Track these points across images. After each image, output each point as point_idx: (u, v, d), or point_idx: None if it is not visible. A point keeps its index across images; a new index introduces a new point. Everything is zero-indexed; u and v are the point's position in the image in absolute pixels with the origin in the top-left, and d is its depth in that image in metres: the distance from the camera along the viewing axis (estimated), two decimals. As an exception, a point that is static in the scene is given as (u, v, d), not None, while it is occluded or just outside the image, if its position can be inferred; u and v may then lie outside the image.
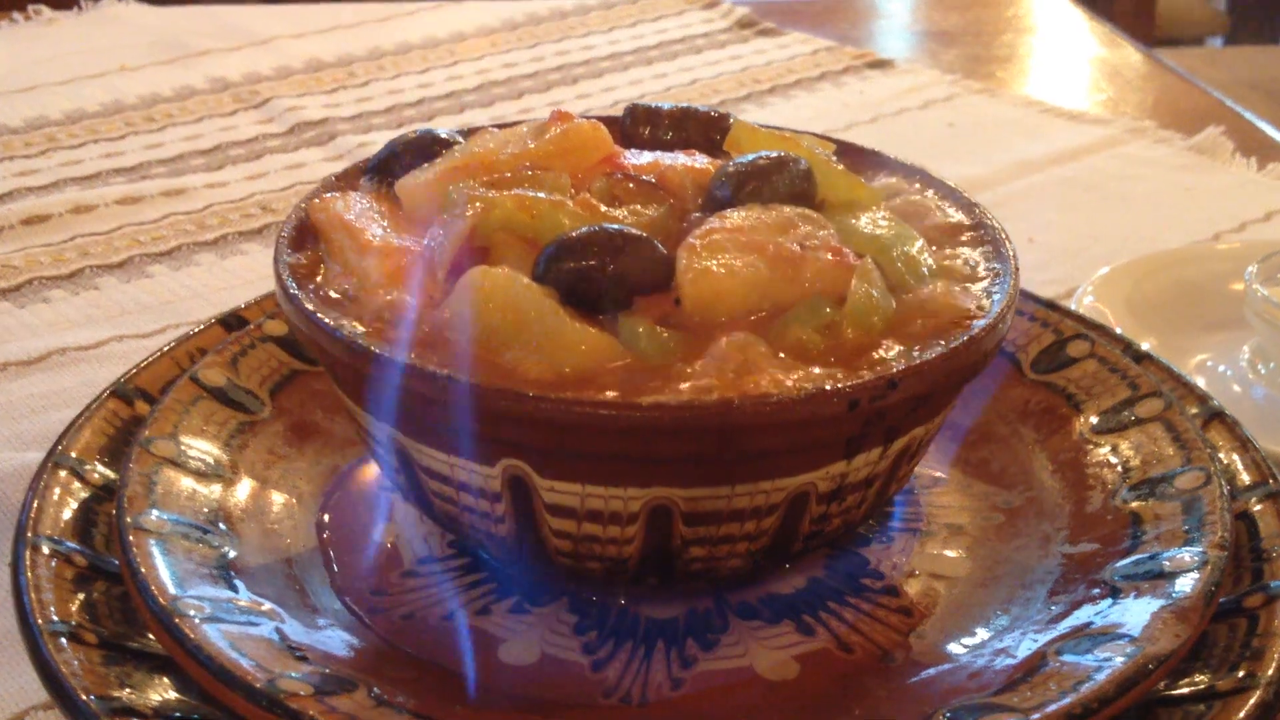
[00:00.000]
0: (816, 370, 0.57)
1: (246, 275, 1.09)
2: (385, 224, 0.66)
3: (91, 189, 1.22)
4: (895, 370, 0.57)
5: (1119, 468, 0.71)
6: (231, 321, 0.82)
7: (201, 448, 0.71)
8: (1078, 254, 1.13)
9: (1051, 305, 0.83)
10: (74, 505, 0.68)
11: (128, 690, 0.58)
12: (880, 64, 1.58)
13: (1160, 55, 1.74)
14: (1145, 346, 0.81)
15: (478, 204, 0.63)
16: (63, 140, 1.33)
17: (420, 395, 0.57)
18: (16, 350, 0.96)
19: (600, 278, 0.59)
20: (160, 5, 1.71)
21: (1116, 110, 1.50)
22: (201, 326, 0.82)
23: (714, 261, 0.61)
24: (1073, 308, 0.90)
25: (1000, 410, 0.77)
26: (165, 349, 0.80)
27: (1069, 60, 1.76)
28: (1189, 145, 1.35)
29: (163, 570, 0.62)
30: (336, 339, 0.59)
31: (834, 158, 0.71)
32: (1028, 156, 1.34)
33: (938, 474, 0.75)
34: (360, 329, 0.59)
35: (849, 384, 0.56)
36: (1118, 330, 0.85)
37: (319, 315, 0.60)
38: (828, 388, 0.55)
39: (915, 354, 0.59)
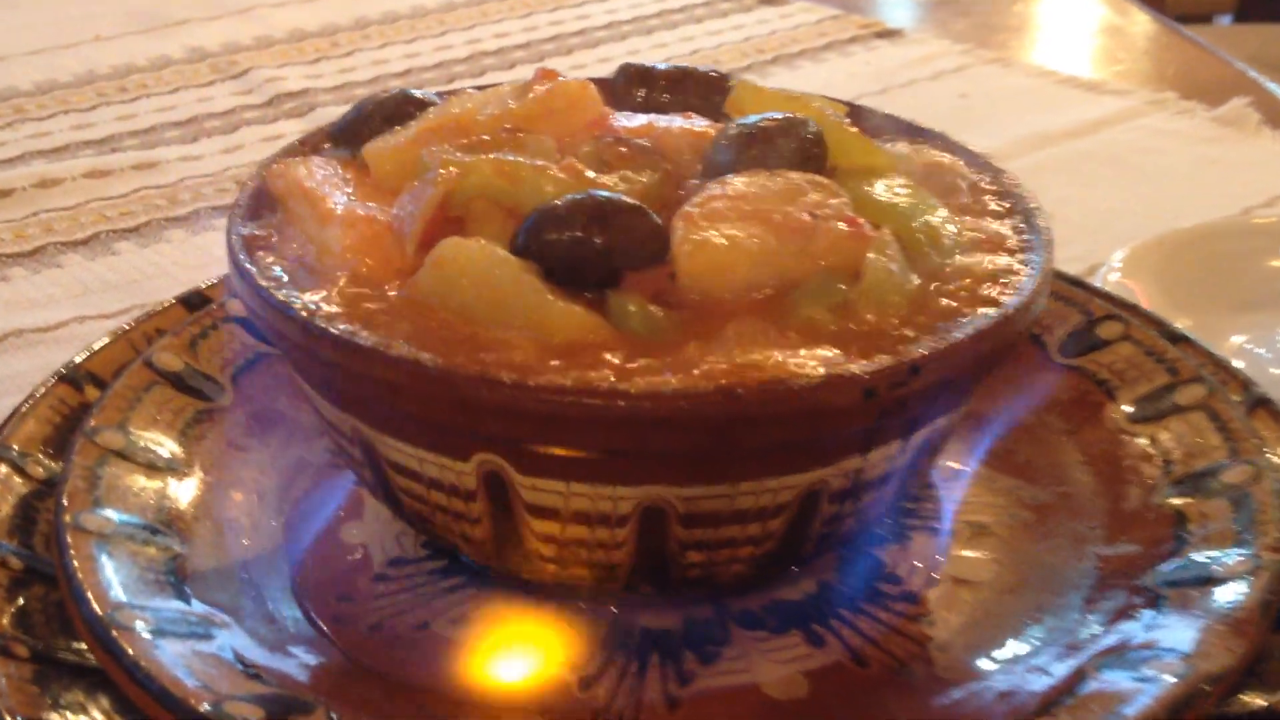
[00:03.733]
0: (829, 354, 0.51)
1: (218, 252, 1.00)
2: (350, 192, 0.60)
3: (59, 162, 1.15)
4: (917, 354, 0.51)
5: (1159, 461, 0.65)
6: (194, 300, 0.76)
7: (153, 438, 0.65)
8: (1098, 230, 1.07)
9: (1079, 283, 0.77)
10: (11, 501, 0.62)
11: (62, 712, 0.52)
12: (888, 33, 1.51)
13: (1177, 26, 1.67)
14: (1181, 328, 0.75)
15: (452, 168, 0.57)
16: (31, 111, 1.26)
17: (383, 382, 0.51)
18: (-31, 332, 0.90)
19: (587, 250, 0.53)
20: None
21: (1134, 81, 1.43)
22: (161, 306, 0.76)
23: (714, 232, 0.54)
24: (1099, 285, 0.84)
25: (1026, 396, 0.71)
26: (121, 330, 0.74)
27: (1083, 30, 1.69)
28: (1213, 117, 1.29)
29: (103, 576, 0.55)
30: (290, 318, 0.53)
31: (846, 120, 0.64)
32: (1044, 129, 1.28)
33: (957, 466, 0.69)
34: (318, 307, 0.53)
35: (866, 369, 0.50)
36: (1150, 310, 0.79)
37: (271, 292, 0.54)
38: (842, 374, 0.49)
39: (939, 336, 0.52)
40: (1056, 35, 1.67)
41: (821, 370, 0.49)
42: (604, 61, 1.45)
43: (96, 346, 0.72)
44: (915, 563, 0.63)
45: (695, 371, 0.49)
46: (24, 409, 0.67)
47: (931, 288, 0.56)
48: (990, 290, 0.56)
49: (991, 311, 0.54)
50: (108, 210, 1.07)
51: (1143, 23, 1.64)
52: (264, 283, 0.54)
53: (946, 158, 0.67)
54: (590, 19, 1.56)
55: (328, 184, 0.59)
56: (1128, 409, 0.69)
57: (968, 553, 0.64)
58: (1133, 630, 0.55)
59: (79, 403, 0.69)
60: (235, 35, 1.46)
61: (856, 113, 0.69)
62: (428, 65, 1.41)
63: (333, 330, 0.51)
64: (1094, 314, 0.74)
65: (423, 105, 0.65)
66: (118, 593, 0.55)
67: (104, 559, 0.56)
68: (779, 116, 0.61)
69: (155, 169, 1.14)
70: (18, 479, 0.63)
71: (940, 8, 1.68)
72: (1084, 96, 1.36)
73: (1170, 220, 1.06)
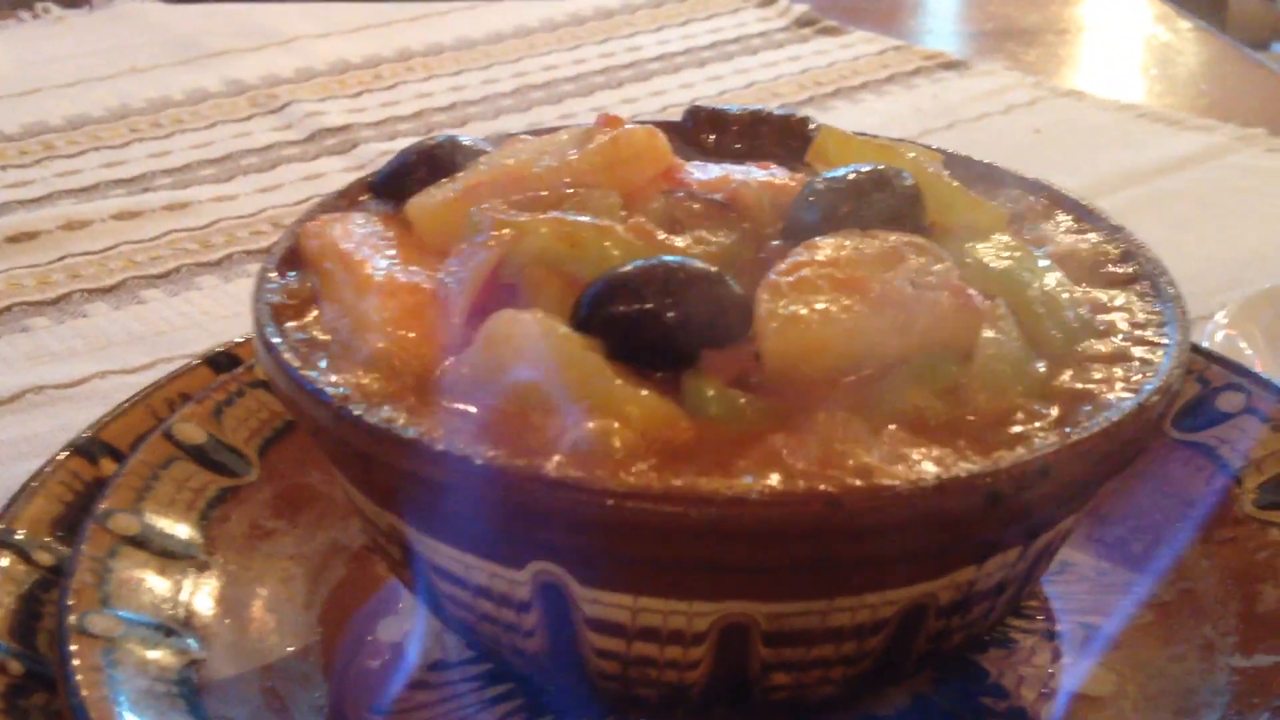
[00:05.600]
0: (941, 450, 0.44)
1: (252, 301, 0.96)
2: (393, 254, 0.53)
3: (88, 202, 1.10)
4: (1047, 452, 0.43)
5: (1299, 556, 0.57)
6: (221, 361, 0.70)
7: (171, 523, 0.59)
8: (1195, 279, 0.97)
9: (1193, 347, 0.69)
10: (14, 594, 0.56)
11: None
12: (954, 65, 1.44)
13: (1261, 57, 1.59)
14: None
15: (505, 230, 0.50)
16: (61, 148, 1.21)
17: (426, 479, 0.44)
18: (-14, 388, 0.84)
19: (659, 326, 0.47)
20: (178, 3, 1.59)
21: (1218, 115, 1.35)
22: (186, 366, 0.70)
23: (803, 305, 0.47)
24: (1204, 345, 0.77)
25: (1139, 478, 0.63)
26: (141, 395, 0.68)
27: (1161, 61, 1.61)
28: (1309, 154, 1.21)
29: (110, 691, 0.49)
30: (322, 403, 0.46)
31: (944, 171, 0.58)
32: (1126, 167, 1.20)
33: (1065, 557, 0.62)
34: (353, 390, 0.47)
35: (988, 471, 0.42)
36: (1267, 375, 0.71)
37: (300, 371, 0.47)
38: (962, 476, 0.42)
39: (1068, 428, 0.45)
40: (1131, 66, 1.59)
41: (937, 472, 0.42)
42: (656, 95, 1.39)
43: (113, 412, 0.66)
44: (1023, 672, 0.56)
45: (787, 471, 0.43)
46: (33, 485, 0.61)
47: (1052, 368, 0.49)
48: (1121, 371, 0.48)
49: (1126, 397, 0.47)
50: (137, 255, 1.02)
51: (1225, 54, 1.56)
52: (293, 360, 0.48)
53: (1055, 214, 0.60)
54: (641, 50, 1.49)
55: (367, 245, 0.53)
56: (1256, 494, 0.61)
57: (1082, 661, 0.56)
58: (1289, 768, 0.47)
59: (93, 477, 0.63)
60: (275, 67, 1.40)
61: (952, 161, 0.62)
62: (473, 99, 1.35)
63: (369, 419, 0.45)
64: (1211, 382, 0.66)
65: (472, 154, 0.59)
66: (125, 711, 0.48)
67: (111, 671, 0.50)
68: (870, 168, 0.54)
69: (187, 210, 1.08)
70: (22, 567, 0.57)
71: (1007, 39, 1.60)
72: (1166, 131, 1.28)
73: (1274, 269, 0.98)
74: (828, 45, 1.52)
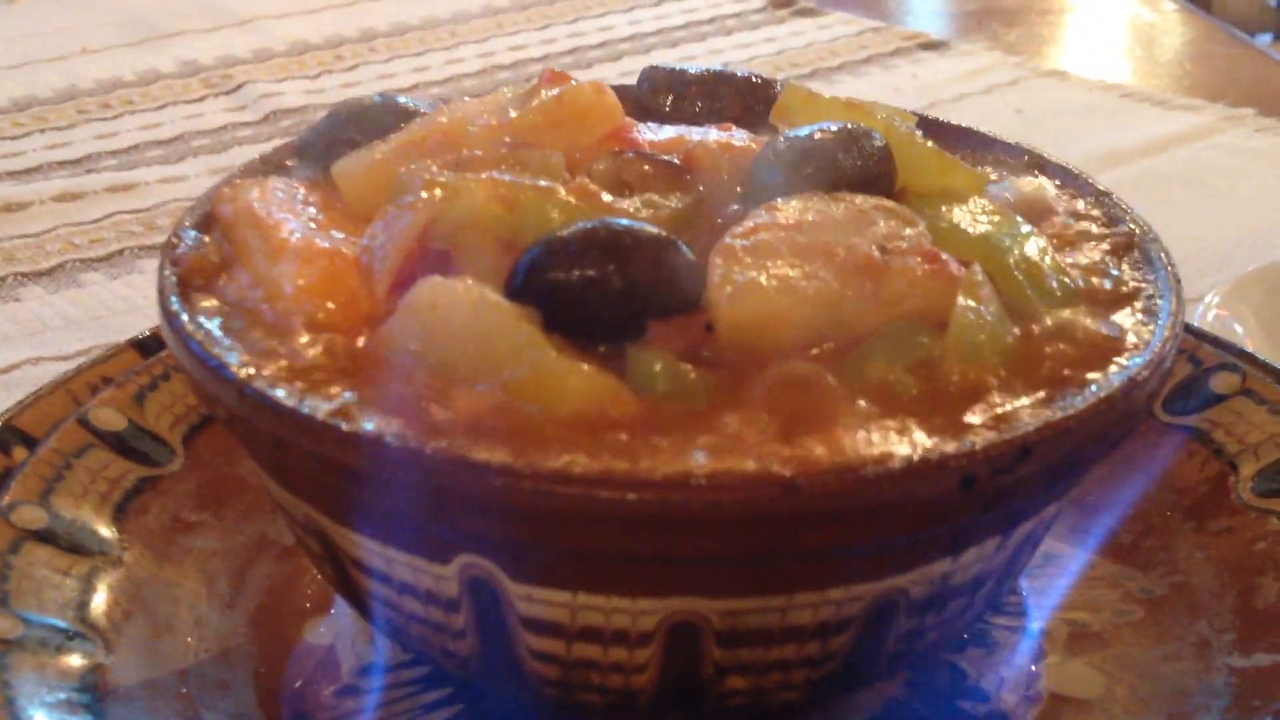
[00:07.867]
0: (912, 429, 0.40)
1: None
2: (313, 218, 0.49)
3: (27, 184, 1.05)
4: (1027, 431, 0.39)
5: (1300, 546, 0.53)
6: (150, 344, 0.65)
7: (83, 515, 0.54)
8: (1184, 261, 0.92)
9: (1185, 326, 0.65)
10: (-91, 594, 0.51)
11: None
12: (934, 45, 1.41)
13: (1248, 38, 1.56)
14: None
15: (436, 191, 0.46)
16: (4, 130, 1.16)
17: (341, 466, 0.40)
18: (-91, 375, 0.80)
19: (601, 294, 0.42)
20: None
21: (1204, 95, 1.31)
22: (111, 350, 0.65)
23: (761, 271, 0.43)
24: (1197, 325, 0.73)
25: (1127, 464, 0.59)
26: (61, 379, 0.63)
27: (1145, 41, 1.57)
28: (1298, 135, 1.17)
29: (3, 697, 0.45)
30: (225, 380, 0.42)
31: (917, 133, 0.53)
32: (1111, 147, 1.16)
33: (1048, 549, 0.57)
34: (260, 367, 0.42)
35: (962, 450, 0.38)
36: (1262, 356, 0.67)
37: (204, 346, 0.43)
38: (933, 458, 0.38)
39: (1051, 405, 0.41)
40: (1114, 47, 1.55)
41: (906, 453, 0.38)
42: (626, 76, 1.34)
43: (29, 398, 0.61)
44: (1003, 673, 0.52)
45: (740, 452, 0.38)
46: (-65, 476, 0.57)
47: (1035, 341, 0.44)
48: (1109, 344, 0.44)
49: (1115, 372, 0.42)
50: (76, 237, 0.97)
51: (1211, 34, 1.53)
52: (195, 332, 0.43)
53: (1038, 179, 0.55)
54: (612, 30, 1.45)
55: (284, 209, 0.48)
56: (1252, 480, 0.57)
57: (1067, 661, 0.52)
58: (1294, 777, 0.43)
59: (4, 468, 0.58)
60: (232, 48, 1.36)
61: (926, 125, 0.58)
62: (436, 80, 1.31)
63: (276, 398, 0.40)
64: (1204, 362, 0.62)
65: (408, 115, 0.55)
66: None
67: (5, 675, 0.46)
68: (837, 127, 0.50)
69: (132, 191, 1.04)
70: (-80, 565, 0.53)
71: (988, 18, 1.56)
72: (1151, 112, 1.25)
73: (1264, 249, 0.95)
74: (804, 26, 1.48)
